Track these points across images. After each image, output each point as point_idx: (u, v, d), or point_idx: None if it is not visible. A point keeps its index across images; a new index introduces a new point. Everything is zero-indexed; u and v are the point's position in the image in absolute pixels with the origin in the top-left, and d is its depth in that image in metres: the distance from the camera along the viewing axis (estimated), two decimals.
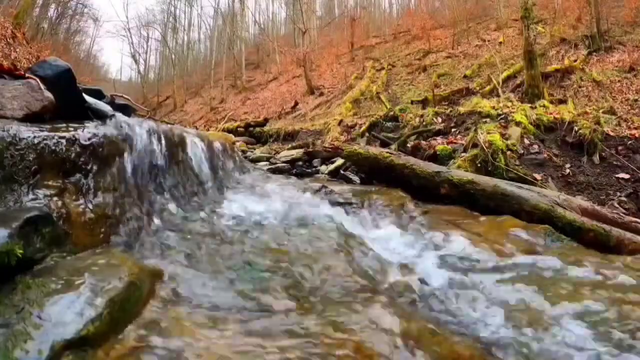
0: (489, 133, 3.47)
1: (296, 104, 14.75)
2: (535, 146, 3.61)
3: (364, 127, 6.53)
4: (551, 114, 4.24)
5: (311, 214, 2.21)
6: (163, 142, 2.05)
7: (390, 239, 1.96)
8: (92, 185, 1.44)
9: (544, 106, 4.86)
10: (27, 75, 1.50)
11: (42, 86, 1.47)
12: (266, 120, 11.04)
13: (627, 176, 3.21)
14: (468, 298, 1.35)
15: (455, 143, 3.73)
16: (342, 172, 3.82)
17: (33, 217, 1.11)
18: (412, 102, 9.08)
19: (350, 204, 2.43)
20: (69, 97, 1.59)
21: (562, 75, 8.94)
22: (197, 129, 7.54)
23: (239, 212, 2.13)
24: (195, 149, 2.48)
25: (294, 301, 1.21)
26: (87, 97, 1.70)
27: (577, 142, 3.63)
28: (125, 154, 1.69)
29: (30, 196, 1.21)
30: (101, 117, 1.68)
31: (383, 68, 14.65)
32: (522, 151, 3.49)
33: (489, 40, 13.74)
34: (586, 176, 3.29)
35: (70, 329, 0.88)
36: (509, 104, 4.87)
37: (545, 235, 1.94)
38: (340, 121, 8.93)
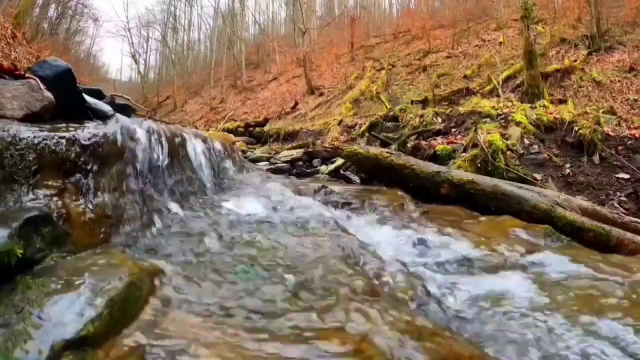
0: (489, 133, 3.47)
1: (296, 104, 14.76)
2: (535, 146, 3.61)
3: (364, 127, 6.53)
4: (551, 114, 4.24)
5: (311, 214, 2.21)
6: (163, 142, 2.05)
7: (390, 239, 1.96)
8: (92, 185, 1.44)
9: (544, 106, 4.86)
10: (27, 75, 1.50)
11: (42, 86, 1.46)
12: (266, 120, 11.05)
13: (627, 176, 3.21)
14: (468, 298, 1.35)
15: (455, 143, 3.74)
16: (342, 172, 3.82)
17: (33, 217, 1.11)
18: (412, 102, 9.10)
19: (350, 204, 2.43)
20: (69, 97, 1.59)
21: (562, 75, 8.95)
22: (197, 128, 7.53)
23: (239, 212, 2.13)
24: (195, 148, 2.48)
25: (294, 301, 1.21)
26: (87, 97, 1.70)
27: (577, 142, 3.63)
28: (125, 154, 1.69)
29: (30, 196, 1.21)
30: (101, 117, 1.67)
31: (383, 68, 14.67)
32: (522, 151, 3.49)
33: (489, 40, 13.75)
34: (586, 176, 3.29)
35: (70, 329, 0.88)
36: (509, 104, 4.87)
37: (545, 235, 1.94)
38: (340, 121, 8.94)
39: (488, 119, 4.20)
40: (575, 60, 9.39)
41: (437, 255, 1.74)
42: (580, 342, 1.07)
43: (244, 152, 5.59)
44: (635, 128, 4.42)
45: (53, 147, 1.31)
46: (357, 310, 1.12)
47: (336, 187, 2.77)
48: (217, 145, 2.95)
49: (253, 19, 30.22)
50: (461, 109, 5.00)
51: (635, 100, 7.55)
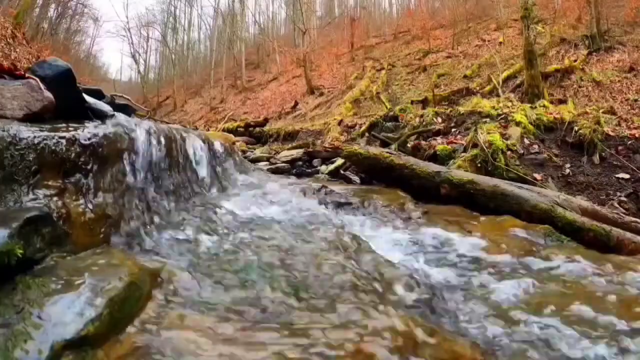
0: (489, 133, 3.47)
1: (296, 104, 14.75)
2: (535, 146, 3.61)
3: (364, 127, 6.53)
4: (551, 114, 4.23)
5: (311, 214, 2.21)
6: (163, 142, 2.05)
7: (390, 239, 1.96)
8: (92, 185, 1.44)
9: (544, 106, 4.86)
10: (27, 75, 1.50)
11: (42, 86, 1.46)
12: (266, 120, 11.05)
13: (627, 176, 3.21)
14: (468, 298, 1.35)
15: (455, 143, 3.73)
16: (342, 172, 3.82)
17: (33, 217, 1.11)
18: (412, 102, 9.07)
19: (350, 204, 2.43)
20: (69, 97, 1.59)
21: (562, 75, 8.95)
22: (197, 128, 7.53)
23: (239, 212, 2.13)
24: (195, 148, 2.48)
25: (294, 301, 1.21)
26: (87, 97, 1.70)
27: (577, 142, 3.63)
28: (125, 154, 1.69)
29: (30, 196, 1.21)
30: (101, 117, 1.67)
31: (383, 68, 14.65)
32: (522, 151, 3.49)
33: (489, 40, 13.74)
34: (586, 176, 3.29)
35: (70, 329, 0.88)
36: (509, 104, 4.86)
37: (545, 235, 1.94)
38: (340, 121, 8.95)
39: (488, 119, 4.20)
40: (575, 60, 9.38)
41: (436, 255, 1.74)
42: (577, 342, 1.08)
43: (244, 152, 5.58)
44: (635, 128, 4.41)
45: (53, 147, 1.31)
46: (357, 310, 1.12)
47: (336, 187, 2.77)
48: (217, 146, 2.95)
49: (253, 19, 30.19)
50: (461, 109, 4.99)
51: (635, 100, 7.55)
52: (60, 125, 1.44)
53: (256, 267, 1.42)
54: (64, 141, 1.35)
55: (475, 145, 3.34)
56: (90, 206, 1.39)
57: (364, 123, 7.02)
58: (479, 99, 5.79)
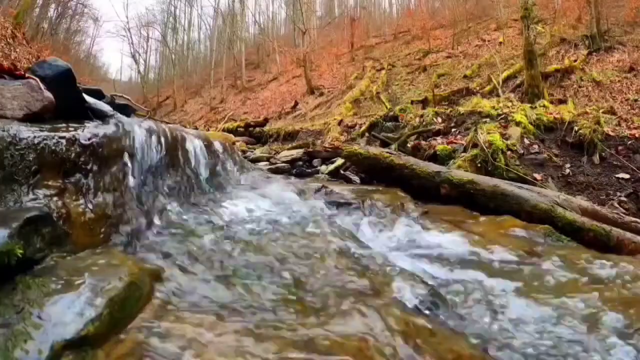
0: (489, 133, 3.47)
1: (296, 104, 14.75)
2: (535, 146, 3.61)
3: (364, 127, 6.53)
4: (551, 114, 4.23)
5: (311, 214, 2.21)
6: (163, 142, 2.05)
7: (390, 239, 1.96)
8: (92, 185, 1.44)
9: (544, 106, 4.86)
10: (27, 75, 1.50)
11: (42, 86, 1.46)
12: (266, 120, 11.04)
13: (627, 176, 3.21)
14: (468, 298, 1.35)
15: (455, 143, 3.73)
16: (342, 172, 3.82)
17: (33, 217, 1.11)
18: (412, 102, 9.07)
19: (350, 204, 2.43)
20: (69, 97, 1.59)
21: (562, 75, 8.94)
22: (197, 128, 7.52)
23: (239, 212, 2.13)
24: (194, 148, 2.48)
25: (294, 302, 1.21)
26: (87, 97, 1.70)
27: (577, 142, 3.63)
28: (125, 154, 1.69)
29: (30, 196, 1.21)
30: (101, 117, 1.67)
31: (383, 68, 14.65)
32: (522, 151, 3.49)
33: (489, 40, 13.74)
34: (586, 176, 3.28)
35: (70, 329, 0.88)
36: (509, 104, 4.86)
37: (545, 235, 1.94)
38: (340, 121, 8.95)
39: (488, 119, 4.20)
40: (575, 60, 9.38)
41: (436, 255, 1.74)
42: (575, 342, 1.08)
43: (244, 152, 5.58)
44: (635, 128, 4.41)
45: (53, 147, 1.31)
46: (357, 310, 1.12)
47: (336, 187, 2.77)
48: (217, 145, 2.95)
49: (253, 19, 30.18)
50: (461, 109, 4.99)
51: (635, 100, 7.55)
52: (60, 125, 1.44)
53: (255, 267, 1.42)
54: (64, 141, 1.35)
55: (475, 145, 3.34)
56: (90, 206, 1.39)
57: (364, 123, 7.02)
58: (479, 99, 5.79)
